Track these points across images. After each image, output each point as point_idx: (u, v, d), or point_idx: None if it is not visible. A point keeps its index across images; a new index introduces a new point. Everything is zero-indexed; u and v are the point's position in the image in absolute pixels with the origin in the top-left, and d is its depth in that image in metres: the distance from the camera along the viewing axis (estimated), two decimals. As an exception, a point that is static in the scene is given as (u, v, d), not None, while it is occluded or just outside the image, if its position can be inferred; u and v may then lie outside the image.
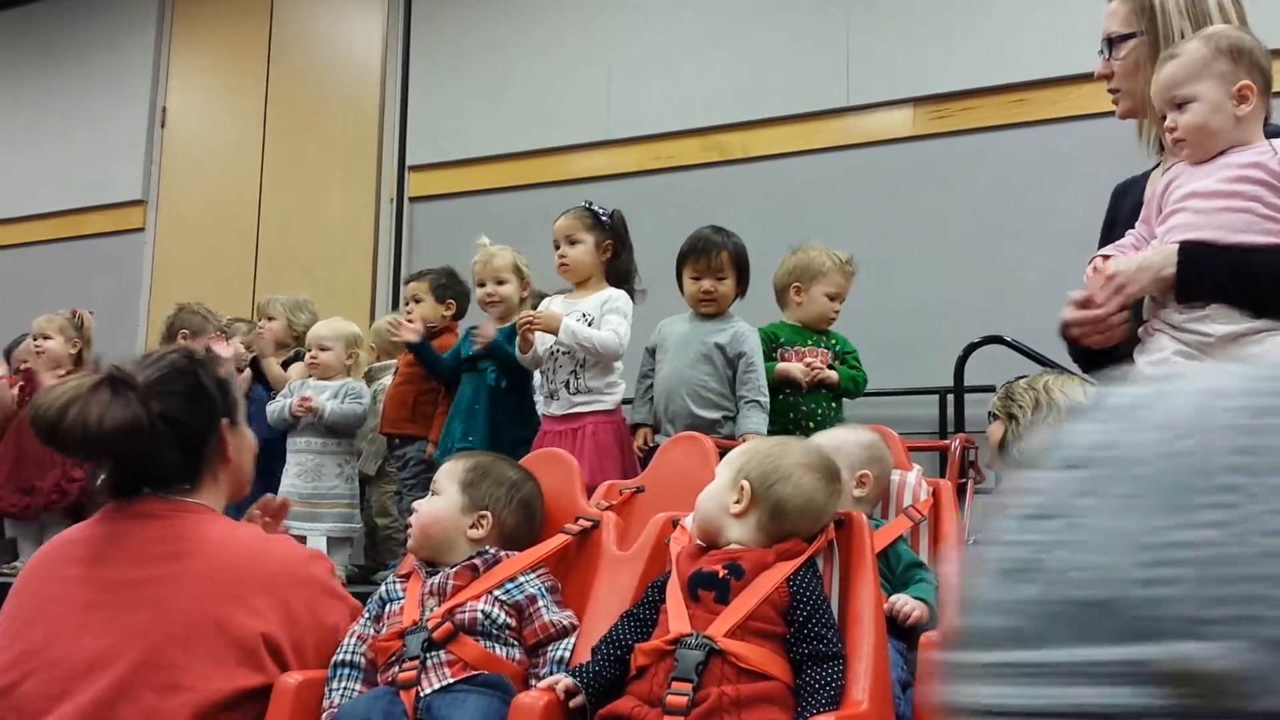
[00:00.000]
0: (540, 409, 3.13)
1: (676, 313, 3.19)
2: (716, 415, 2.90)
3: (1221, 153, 1.58)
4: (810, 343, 3.08)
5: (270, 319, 4.14)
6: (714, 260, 3.02)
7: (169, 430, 1.61)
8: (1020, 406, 2.60)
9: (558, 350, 3.02)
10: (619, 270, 3.13)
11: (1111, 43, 1.78)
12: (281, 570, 1.64)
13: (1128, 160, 1.94)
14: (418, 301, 3.73)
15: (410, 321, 3.73)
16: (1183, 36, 1.69)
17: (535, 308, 3.12)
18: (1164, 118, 1.63)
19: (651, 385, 3.05)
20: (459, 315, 3.71)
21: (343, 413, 3.58)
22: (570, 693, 1.55)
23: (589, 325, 2.98)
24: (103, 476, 1.67)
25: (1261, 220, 1.53)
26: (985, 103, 4.44)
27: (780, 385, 3.02)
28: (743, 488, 1.61)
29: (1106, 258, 1.66)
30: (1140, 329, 1.64)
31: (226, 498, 1.77)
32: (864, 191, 4.59)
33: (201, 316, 4.25)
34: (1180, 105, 1.60)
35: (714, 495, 1.64)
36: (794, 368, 3.03)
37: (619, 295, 3.05)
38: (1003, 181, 4.35)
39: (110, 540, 1.62)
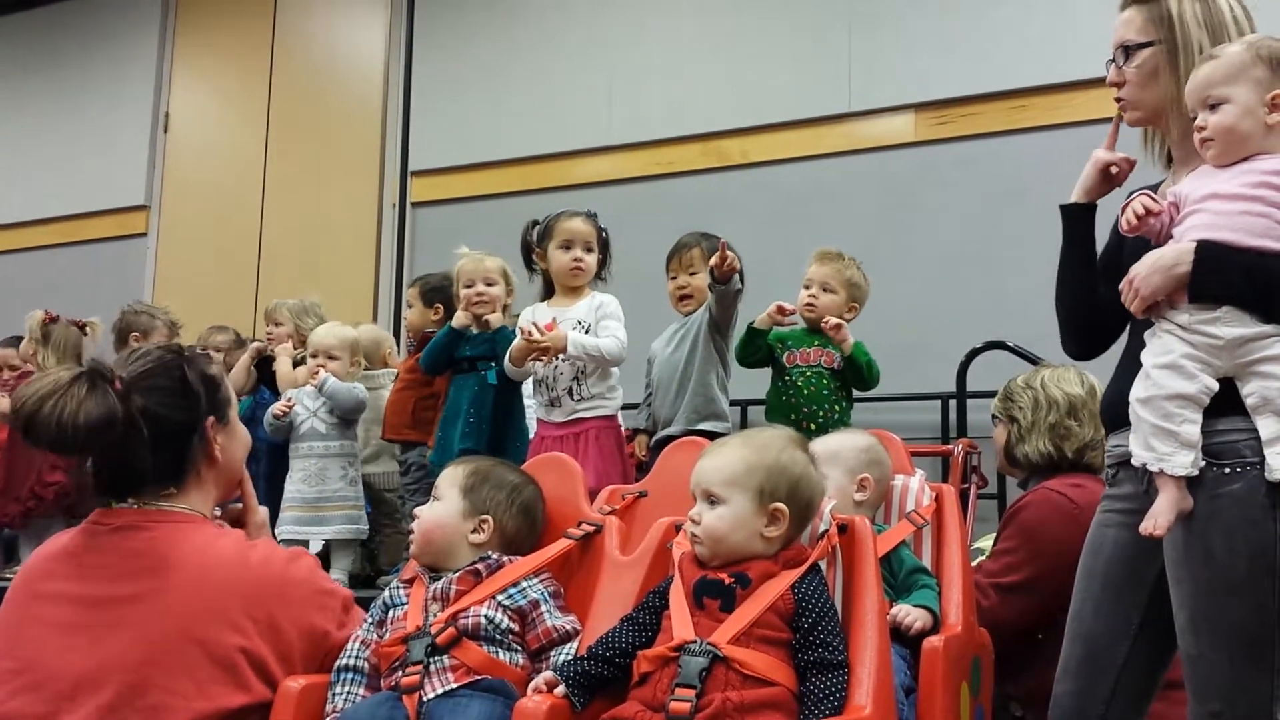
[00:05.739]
0: (540, 416, 3.13)
1: (675, 316, 3.25)
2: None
3: (1245, 158, 1.59)
4: (817, 344, 3.07)
5: (278, 324, 4.13)
6: (684, 257, 3.21)
7: (150, 426, 1.60)
8: (1020, 407, 2.60)
9: (558, 359, 3.02)
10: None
11: (1127, 51, 1.77)
12: (263, 581, 1.63)
13: (1129, 166, 1.93)
14: (410, 307, 3.72)
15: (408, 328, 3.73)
16: (1200, 48, 1.69)
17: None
18: (1194, 117, 1.63)
19: (651, 395, 3.10)
20: (448, 320, 3.69)
21: (346, 387, 3.55)
22: (550, 685, 1.55)
23: (585, 332, 3.00)
24: (89, 476, 1.66)
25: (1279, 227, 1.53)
26: (987, 109, 4.44)
27: (784, 386, 3.02)
28: (779, 512, 1.59)
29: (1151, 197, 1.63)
30: (1146, 332, 1.63)
31: (216, 498, 1.75)
32: (866, 197, 4.59)
33: (148, 315, 4.24)
34: (1213, 106, 1.60)
35: (742, 523, 1.59)
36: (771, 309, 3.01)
37: (610, 300, 3.06)
38: (1004, 187, 4.35)
39: (91, 555, 1.61)
